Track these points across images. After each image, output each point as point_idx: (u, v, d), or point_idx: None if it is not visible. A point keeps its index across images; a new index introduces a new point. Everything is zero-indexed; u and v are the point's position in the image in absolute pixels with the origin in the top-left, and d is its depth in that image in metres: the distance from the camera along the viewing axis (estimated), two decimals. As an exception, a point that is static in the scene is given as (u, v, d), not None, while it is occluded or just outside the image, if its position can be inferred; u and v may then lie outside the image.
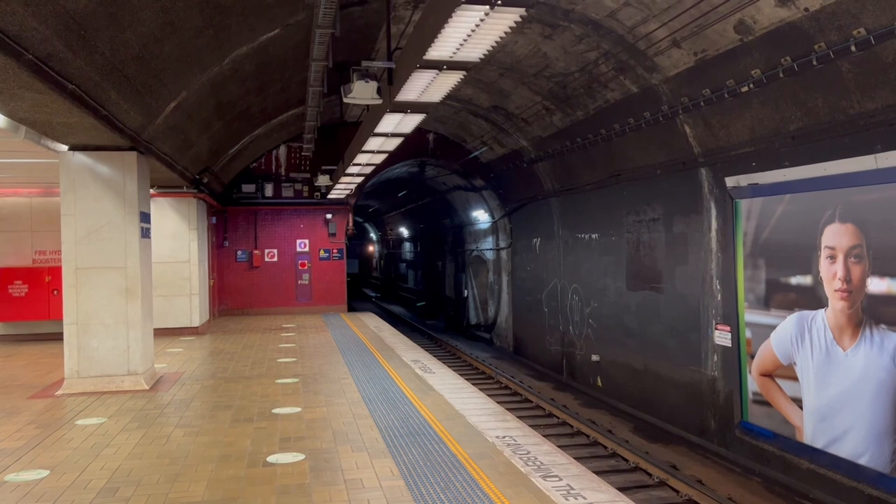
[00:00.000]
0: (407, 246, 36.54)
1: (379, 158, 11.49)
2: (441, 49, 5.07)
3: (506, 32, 4.70)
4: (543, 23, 10.35)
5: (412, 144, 18.38)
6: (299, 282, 19.74)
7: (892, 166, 6.85)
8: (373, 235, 46.24)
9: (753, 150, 8.92)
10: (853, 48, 6.75)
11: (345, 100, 7.53)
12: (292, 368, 10.67)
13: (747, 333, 9.25)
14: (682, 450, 10.43)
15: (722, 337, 9.80)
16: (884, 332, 7.07)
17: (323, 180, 17.20)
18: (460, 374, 14.44)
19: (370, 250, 46.81)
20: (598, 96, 11.70)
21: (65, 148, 8.97)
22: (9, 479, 5.61)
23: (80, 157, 9.11)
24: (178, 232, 15.22)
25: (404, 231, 36.15)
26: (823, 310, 7.86)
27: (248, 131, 14.68)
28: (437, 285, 28.43)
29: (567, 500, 4.93)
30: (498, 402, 9.55)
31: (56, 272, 13.41)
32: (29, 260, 14.17)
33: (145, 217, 9.80)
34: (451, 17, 4.38)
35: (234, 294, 19.36)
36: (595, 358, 13.97)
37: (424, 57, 5.24)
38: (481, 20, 4.45)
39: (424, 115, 7.60)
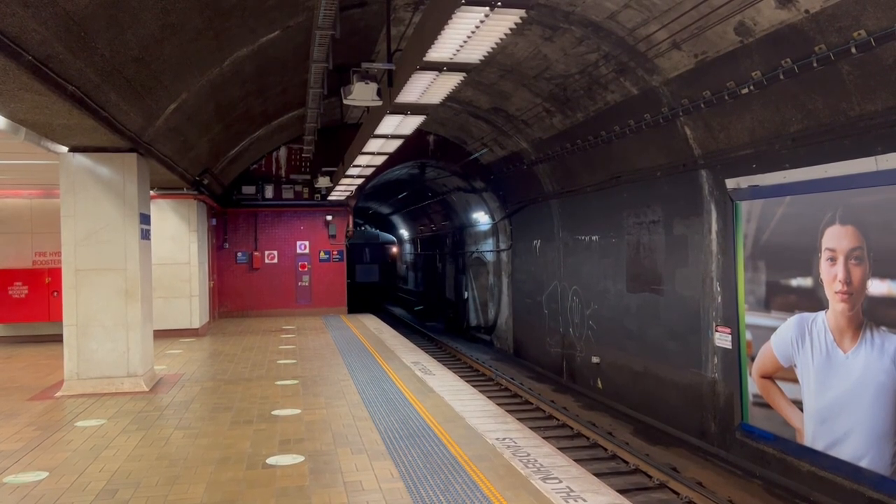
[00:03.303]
0: (407, 247, 36.51)
1: (379, 160, 11.49)
2: (441, 50, 5.07)
3: (506, 34, 4.70)
4: (544, 25, 10.35)
5: (412, 146, 18.38)
6: (299, 283, 19.73)
7: (893, 168, 6.84)
8: (400, 233, 37.86)
9: (754, 152, 8.92)
10: (853, 50, 6.75)
11: (345, 101, 7.53)
12: (292, 370, 10.66)
13: (747, 335, 9.24)
14: (682, 452, 10.41)
15: (722, 339, 9.79)
16: (884, 335, 7.06)
17: (323, 182, 17.20)
18: (460, 376, 14.43)
19: (394, 252, 36.40)
20: (599, 98, 11.70)
21: (65, 149, 8.97)
22: (8, 481, 5.60)
23: (80, 159, 9.10)
24: (177, 234, 15.22)
25: (404, 233, 36.14)
26: (824, 312, 7.85)
27: (249, 133, 14.68)
28: (437, 287, 28.42)
29: (567, 502, 4.92)
30: (498, 404, 9.54)
31: (56, 274, 13.40)
32: (29, 261, 14.17)
33: (145, 219, 9.79)
34: (451, 18, 4.38)
35: (234, 296, 19.35)
36: (595, 360, 13.96)
37: (424, 58, 5.24)
38: (481, 21, 4.45)
39: (424, 116, 7.60)
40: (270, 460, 6.03)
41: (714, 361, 10.05)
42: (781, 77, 7.77)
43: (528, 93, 13.28)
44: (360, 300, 30.85)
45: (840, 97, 7.31)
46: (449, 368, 14.24)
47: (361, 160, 11.42)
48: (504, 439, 6.55)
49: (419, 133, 18.61)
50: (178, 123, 9.76)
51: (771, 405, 8.79)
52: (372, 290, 34.04)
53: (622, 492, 8.18)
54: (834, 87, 7.30)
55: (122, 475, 5.71)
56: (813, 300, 8.00)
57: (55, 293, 13.53)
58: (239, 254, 19.36)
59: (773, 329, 8.69)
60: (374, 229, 38.45)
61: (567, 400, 14.17)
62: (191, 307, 15.28)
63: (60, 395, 8.89)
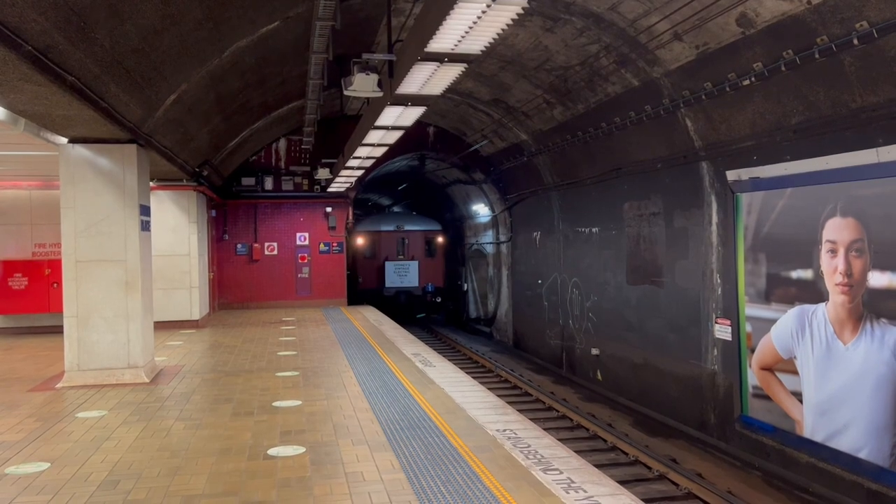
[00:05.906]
0: None
1: (379, 152, 11.46)
2: (442, 41, 5.04)
3: (507, 25, 4.68)
4: (544, 16, 10.31)
5: (412, 138, 18.34)
6: (299, 275, 19.73)
7: (894, 160, 6.83)
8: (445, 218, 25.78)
9: (755, 144, 8.90)
10: (855, 41, 6.72)
11: (345, 92, 7.50)
12: (293, 362, 10.67)
13: (747, 327, 9.25)
14: (681, 444, 10.44)
15: (722, 331, 9.80)
16: (884, 327, 7.06)
17: (323, 174, 17.17)
18: (460, 368, 14.45)
19: (440, 243, 24.15)
20: (599, 90, 11.67)
21: (64, 140, 8.95)
22: (9, 472, 5.61)
23: (80, 150, 9.08)
24: (177, 225, 15.20)
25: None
26: (824, 304, 7.85)
27: (248, 124, 14.65)
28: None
29: (568, 493, 4.93)
30: (498, 396, 9.56)
31: (56, 265, 13.39)
32: (29, 253, 14.16)
33: (145, 210, 9.78)
34: (452, 9, 4.37)
35: (234, 287, 19.35)
36: (595, 352, 13.98)
37: (425, 49, 5.21)
38: (483, 12, 4.43)
39: (425, 107, 7.58)
40: (272, 451, 6.05)
41: (714, 353, 10.07)
42: (783, 69, 7.75)
43: (529, 84, 13.24)
44: (399, 319, 21.12)
45: (842, 89, 7.29)
46: (449, 360, 14.27)
47: (361, 152, 11.40)
48: (504, 430, 6.56)
49: (419, 124, 18.56)
50: (178, 115, 9.73)
51: (771, 397, 8.81)
52: (414, 305, 23.01)
53: (622, 483, 8.20)
54: (836, 78, 7.28)
55: (123, 466, 5.72)
56: (813, 292, 8.01)
57: (55, 284, 13.52)
58: (239, 245, 19.35)
59: (774, 321, 8.70)
60: (412, 211, 27.77)
61: (567, 392, 14.20)
62: (191, 299, 15.28)
63: (61, 387, 8.90)
